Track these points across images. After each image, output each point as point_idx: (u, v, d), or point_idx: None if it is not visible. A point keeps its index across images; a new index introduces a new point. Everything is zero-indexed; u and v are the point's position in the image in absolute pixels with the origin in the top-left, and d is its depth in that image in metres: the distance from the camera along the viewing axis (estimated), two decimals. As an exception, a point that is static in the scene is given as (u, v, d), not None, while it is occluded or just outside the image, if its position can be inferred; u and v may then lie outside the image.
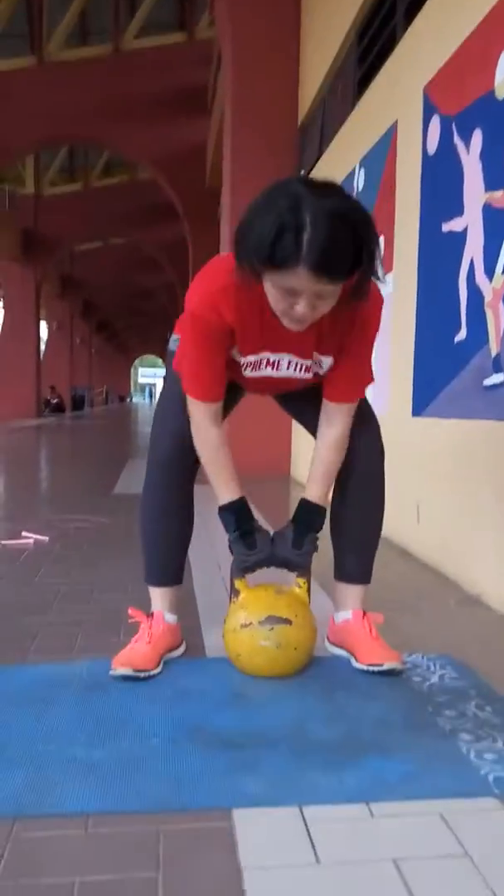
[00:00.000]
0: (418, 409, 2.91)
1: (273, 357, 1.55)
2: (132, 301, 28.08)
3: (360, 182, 3.78)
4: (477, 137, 2.40)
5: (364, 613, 1.72)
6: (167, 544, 1.74)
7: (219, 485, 1.60)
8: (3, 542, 3.04)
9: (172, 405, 1.68)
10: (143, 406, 39.07)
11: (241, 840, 1.03)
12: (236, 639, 1.59)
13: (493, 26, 2.31)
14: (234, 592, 1.65)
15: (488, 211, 2.31)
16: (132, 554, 2.75)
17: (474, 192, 2.41)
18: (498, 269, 2.24)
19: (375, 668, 1.60)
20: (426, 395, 2.82)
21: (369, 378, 1.64)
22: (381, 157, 3.40)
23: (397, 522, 3.09)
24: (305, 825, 1.07)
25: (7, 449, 8.98)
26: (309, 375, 1.58)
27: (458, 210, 2.53)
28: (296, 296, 1.31)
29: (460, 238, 2.52)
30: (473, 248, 2.41)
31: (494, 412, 2.25)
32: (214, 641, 1.84)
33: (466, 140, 2.48)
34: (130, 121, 12.16)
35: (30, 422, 15.75)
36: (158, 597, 1.73)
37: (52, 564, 2.67)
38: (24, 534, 3.15)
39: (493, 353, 2.26)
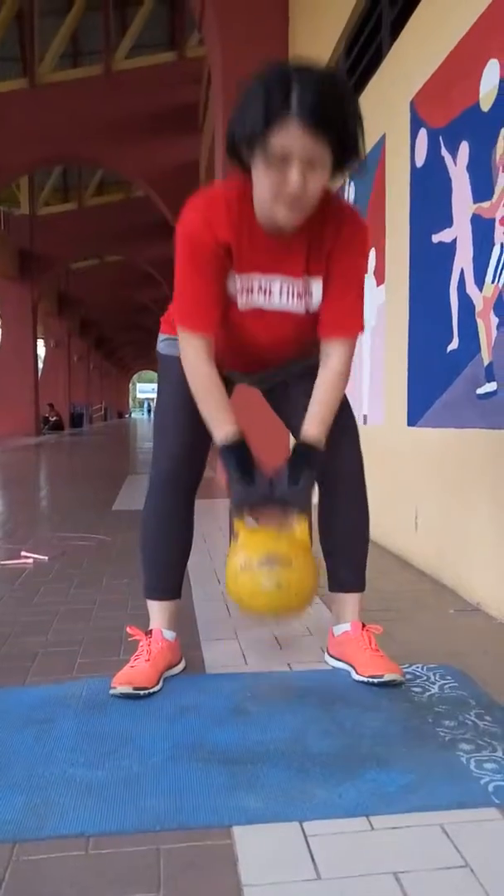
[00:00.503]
0: (414, 418, 2.92)
1: (264, 280, 1.52)
2: (129, 317, 28.15)
3: (351, 194, 3.81)
4: (463, 150, 2.42)
5: (363, 625, 1.72)
6: (167, 560, 1.74)
7: (216, 423, 1.53)
8: (3, 562, 3.04)
9: (169, 420, 1.69)
10: (142, 421, 39.09)
11: (242, 857, 1.03)
12: (237, 583, 1.54)
13: (475, 40, 2.34)
14: (234, 535, 1.59)
15: (476, 222, 2.33)
16: (131, 571, 2.75)
17: (462, 203, 2.43)
18: (488, 279, 2.26)
19: (375, 680, 1.60)
20: (421, 405, 2.83)
21: (360, 313, 1.59)
22: (371, 169, 3.43)
23: (396, 531, 3.09)
24: (306, 840, 1.07)
25: (6, 467, 8.98)
26: (301, 308, 1.55)
27: (447, 221, 2.56)
28: (288, 162, 1.31)
29: (450, 249, 2.54)
30: (463, 259, 2.43)
31: (488, 421, 2.26)
32: (214, 656, 1.84)
33: (453, 152, 2.50)
34: (123, 140, 12.25)
35: (29, 440, 15.76)
36: (157, 612, 1.73)
37: (51, 583, 2.67)
38: (23, 553, 3.15)
39: (486, 362, 2.27)
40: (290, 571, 1.50)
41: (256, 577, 1.50)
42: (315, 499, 1.70)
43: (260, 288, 1.52)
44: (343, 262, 1.53)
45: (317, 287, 1.54)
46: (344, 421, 1.67)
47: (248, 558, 1.52)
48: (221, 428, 1.52)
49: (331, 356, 1.57)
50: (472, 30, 2.37)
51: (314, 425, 1.55)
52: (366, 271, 1.60)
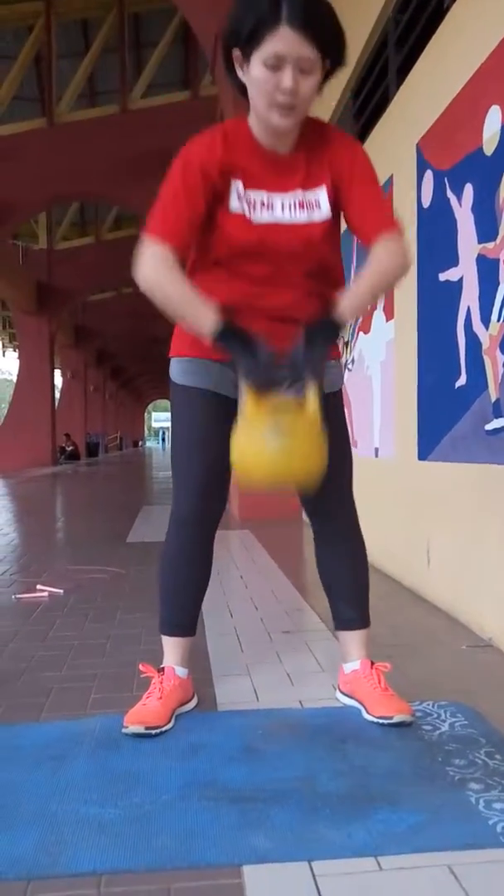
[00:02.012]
0: (424, 453, 2.94)
1: (266, 196, 1.54)
2: (144, 348, 28.43)
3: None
4: (468, 192, 2.48)
5: (372, 664, 1.73)
6: (184, 597, 1.76)
7: (197, 317, 1.48)
8: (19, 595, 3.08)
9: (186, 456, 1.70)
10: (157, 451, 39.26)
11: (251, 896, 1.05)
12: (241, 450, 1.49)
13: (478, 87, 2.42)
14: (242, 411, 1.52)
15: (482, 261, 2.38)
16: (146, 605, 2.78)
17: (468, 243, 2.49)
18: (493, 318, 2.30)
19: (385, 721, 1.61)
20: (431, 439, 2.86)
21: (390, 210, 1.61)
22: (379, 208, 3.50)
23: (408, 565, 3.10)
24: (315, 880, 1.08)
25: (24, 498, 9.06)
26: (305, 218, 1.55)
27: (453, 260, 2.61)
28: (281, 67, 1.38)
29: (457, 287, 2.59)
30: (470, 297, 2.48)
31: (497, 457, 2.28)
32: (225, 693, 1.86)
33: (458, 194, 2.57)
34: (138, 177, 12.46)
35: (46, 470, 15.89)
36: (171, 648, 1.75)
37: (66, 618, 2.70)
38: (38, 587, 3.19)
39: (493, 398, 2.30)
40: (296, 440, 1.46)
41: (261, 443, 1.46)
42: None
43: (263, 203, 1.55)
44: (358, 180, 1.56)
45: (322, 196, 1.57)
46: (341, 466, 1.70)
47: (254, 426, 1.48)
48: (205, 318, 1.46)
49: (383, 244, 1.53)
50: (474, 76, 2.45)
51: (348, 296, 1.51)
52: (378, 180, 1.61)
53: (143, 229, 1.53)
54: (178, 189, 1.51)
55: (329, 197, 1.57)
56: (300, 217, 1.56)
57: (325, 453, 1.50)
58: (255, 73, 1.41)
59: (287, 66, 1.38)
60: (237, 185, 1.53)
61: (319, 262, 1.62)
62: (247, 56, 1.41)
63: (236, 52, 1.44)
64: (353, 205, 1.57)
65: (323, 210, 1.57)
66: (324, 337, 1.48)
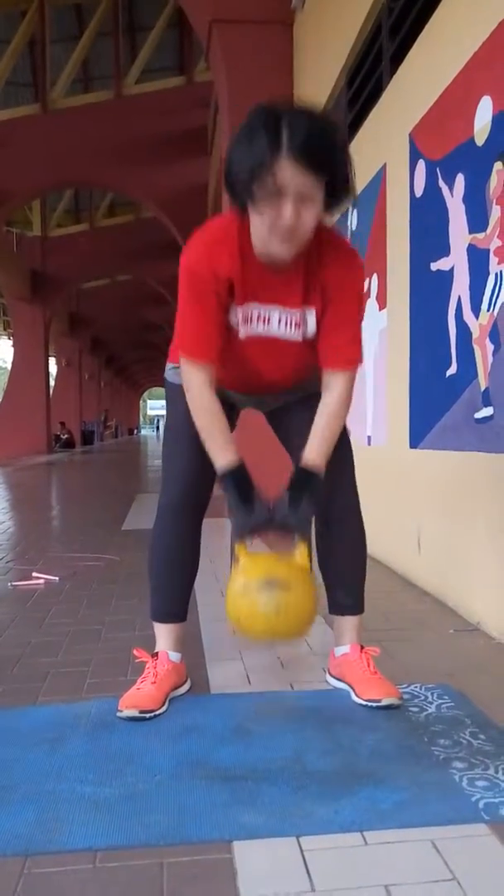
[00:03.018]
0: (415, 440, 2.98)
1: (263, 310, 1.59)
2: (139, 335, 28.41)
3: (353, 222, 3.90)
4: (460, 182, 2.50)
5: (362, 648, 1.77)
6: (174, 583, 1.80)
7: (216, 451, 1.59)
8: (15, 583, 3.11)
9: (177, 447, 1.76)
10: (152, 438, 39.27)
11: (241, 870, 1.09)
12: (235, 605, 1.56)
13: (470, 77, 2.43)
14: (235, 560, 1.60)
15: (472, 251, 2.40)
16: (140, 591, 2.82)
17: (459, 233, 2.51)
18: (483, 307, 2.32)
19: (374, 704, 1.65)
20: (422, 427, 2.89)
21: (359, 346, 1.66)
22: (373, 198, 3.52)
23: (398, 551, 3.15)
24: (302, 855, 1.12)
25: (19, 486, 9.08)
26: (299, 336, 1.62)
27: (444, 250, 2.63)
28: (281, 197, 1.40)
29: (448, 277, 2.61)
30: (460, 287, 2.50)
31: (486, 444, 2.32)
32: (218, 676, 1.90)
33: (450, 184, 2.58)
34: (133, 163, 12.46)
35: (41, 458, 15.89)
36: (164, 634, 1.79)
37: (61, 604, 2.74)
38: (34, 574, 3.22)
39: (482, 387, 2.34)
40: (289, 595, 1.52)
41: (255, 601, 1.52)
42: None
43: (259, 317, 1.60)
44: (340, 299, 1.60)
45: (311, 317, 1.61)
46: (343, 451, 1.73)
47: (247, 582, 1.55)
48: (222, 456, 1.58)
49: (332, 386, 1.63)
50: (466, 66, 2.46)
51: (315, 452, 1.60)
52: (362, 305, 1.68)
53: (177, 345, 1.63)
54: (196, 308, 1.57)
55: (317, 318, 1.62)
56: (293, 335, 1.62)
57: (317, 602, 1.58)
58: (256, 201, 1.42)
59: (287, 196, 1.40)
60: (235, 309, 1.59)
61: (305, 358, 1.68)
62: (247, 185, 1.41)
63: (237, 181, 1.43)
64: (327, 330, 1.62)
65: (310, 329, 1.63)
66: (311, 494, 1.57)
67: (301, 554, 1.58)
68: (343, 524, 1.79)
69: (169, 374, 1.82)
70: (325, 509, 1.75)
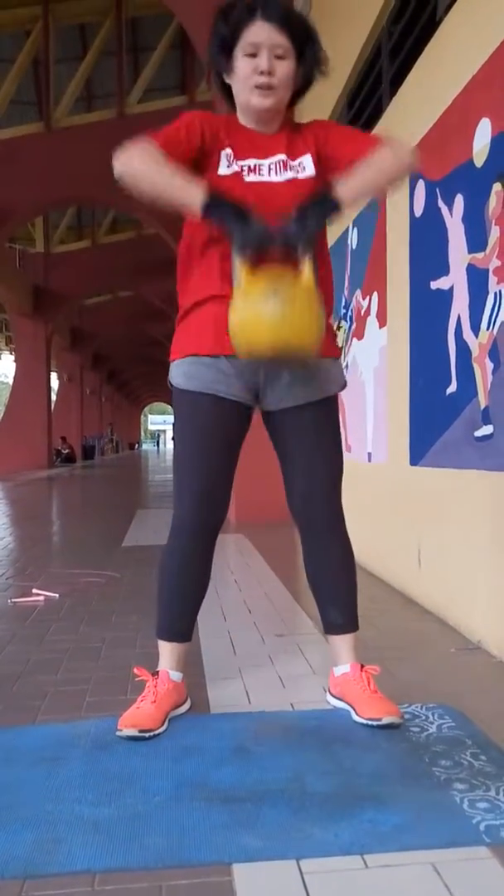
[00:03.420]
0: (416, 458, 2.98)
1: (254, 162, 1.64)
2: (141, 351, 28.48)
3: (353, 241, 3.93)
4: (459, 202, 2.52)
5: (361, 667, 1.76)
6: (183, 602, 1.78)
7: (184, 187, 1.51)
8: (15, 600, 3.11)
9: (188, 463, 1.72)
10: (153, 453, 39.28)
11: (241, 893, 1.08)
12: (240, 317, 1.49)
13: (469, 99, 2.46)
14: (237, 281, 1.52)
15: (472, 271, 2.42)
16: (141, 608, 2.81)
17: (458, 253, 2.53)
18: (483, 326, 2.34)
19: (374, 723, 1.64)
20: (423, 445, 2.90)
21: (379, 138, 1.65)
22: (373, 217, 3.55)
23: (399, 568, 3.14)
24: (302, 877, 1.12)
25: (19, 502, 9.08)
26: (291, 175, 1.64)
27: (444, 269, 2.65)
28: (258, 52, 1.57)
29: (448, 296, 2.63)
30: (460, 306, 2.52)
31: (487, 463, 2.32)
32: (218, 696, 1.89)
33: (449, 204, 2.61)
34: (135, 181, 12.55)
35: (41, 473, 15.89)
36: (167, 653, 1.77)
37: (61, 621, 2.73)
38: (34, 591, 3.22)
39: (482, 405, 2.34)
40: (292, 307, 1.46)
41: (259, 310, 1.46)
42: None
43: (251, 168, 1.65)
44: (336, 131, 1.72)
45: (307, 160, 1.66)
46: (335, 456, 1.75)
47: (251, 292, 1.48)
48: (194, 193, 1.50)
49: (380, 146, 1.60)
50: (465, 89, 2.49)
51: (348, 180, 1.55)
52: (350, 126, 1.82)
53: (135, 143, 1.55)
54: (178, 125, 1.63)
55: (314, 160, 1.67)
56: (286, 175, 1.65)
57: (323, 322, 1.54)
58: (236, 66, 1.60)
59: (263, 51, 1.57)
60: (227, 153, 1.64)
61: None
62: (228, 52, 1.60)
63: (219, 52, 1.62)
64: (341, 146, 1.66)
65: (308, 171, 1.66)
66: (319, 209, 1.53)
67: (306, 272, 1.50)
68: (333, 533, 1.78)
69: (175, 375, 1.72)
70: (310, 529, 1.75)
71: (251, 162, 1.64)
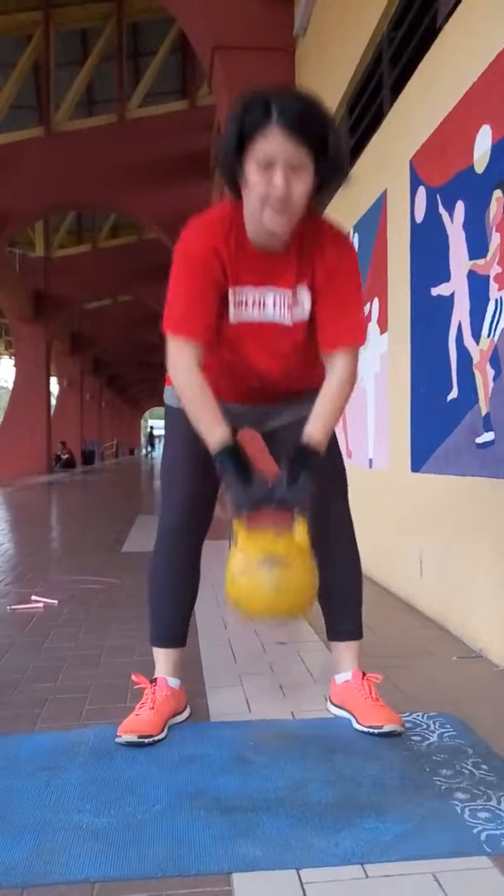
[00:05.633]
0: (417, 464, 2.98)
1: (258, 293, 1.59)
2: (141, 356, 28.47)
3: (354, 246, 3.93)
4: (459, 209, 2.53)
5: (363, 674, 1.76)
6: (173, 607, 1.79)
7: (208, 429, 1.55)
8: (14, 606, 3.10)
9: (176, 472, 1.76)
10: (152, 455, 39.28)
11: (240, 904, 1.07)
12: (234, 583, 1.53)
13: (469, 106, 2.46)
14: (233, 538, 1.56)
15: (472, 278, 2.42)
16: (140, 615, 2.79)
17: (459, 259, 2.53)
18: (484, 333, 2.34)
19: (375, 731, 1.63)
20: (424, 451, 2.89)
21: (362, 326, 1.65)
22: (374, 223, 3.55)
23: (401, 575, 3.13)
24: (302, 887, 1.11)
25: (19, 507, 9.07)
26: (289, 321, 1.61)
27: (444, 276, 2.65)
28: (271, 167, 1.42)
29: (448, 302, 2.63)
30: (461, 312, 2.52)
31: (488, 470, 2.32)
32: (218, 704, 1.89)
33: (450, 211, 2.61)
34: (135, 186, 12.59)
35: (41, 478, 15.88)
36: (163, 660, 1.78)
37: (61, 628, 2.72)
38: (33, 598, 3.21)
39: (483, 412, 2.34)
40: (289, 573, 1.49)
41: (255, 579, 1.49)
42: None
43: (254, 301, 1.60)
44: (338, 281, 1.60)
45: (305, 295, 1.61)
46: (334, 463, 1.74)
47: (246, 560, 1.51)
48: (214, 433, 1.54)
49: (335, 367, 1.60)
50: (465, 95, 2.49)
51: (316, 429, 1.58)
52: (360, 287, 1.68)
53: (163, 323, 1.58)
54: (190, 284, 1.56)
55: (312, 298, 1.61)
56: (287, 318, 1.61)
57: (317, 581, 1.56)
58: (248, 175, 1.46)
59: (278, 166, 1.43)
60: (232, 291, 1.58)
61: (300, 345, 1.66)
62: (240, 159, 1.46)
63: (230, 156, 1.48)
64: (325, 306, 1.60)
65: (304, 309, 1.62)
66: (307, 466, 1.54)
67: (300, 531, 1.55)
68: (339, 544, 1.78)
69: (168, 396, 1.82)
70: (315, 532, 1.75)
71: (255, 294, 1.59)
